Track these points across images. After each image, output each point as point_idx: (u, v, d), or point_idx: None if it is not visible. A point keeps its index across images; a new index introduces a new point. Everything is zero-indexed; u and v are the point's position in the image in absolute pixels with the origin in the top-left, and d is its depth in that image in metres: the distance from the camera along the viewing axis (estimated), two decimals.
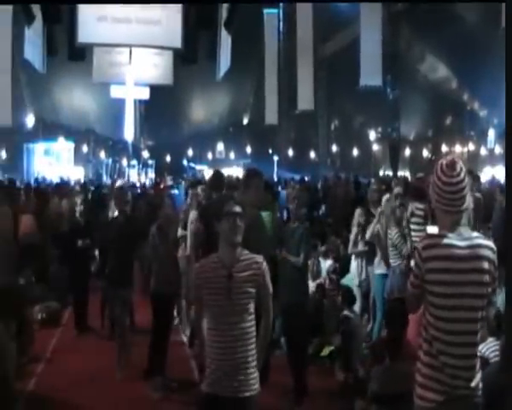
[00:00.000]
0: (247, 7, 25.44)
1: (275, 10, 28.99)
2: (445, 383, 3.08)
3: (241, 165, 34.31)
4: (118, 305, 7.08)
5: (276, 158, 35.93)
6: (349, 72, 25.96)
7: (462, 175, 3.11)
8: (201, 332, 3.76)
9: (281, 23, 31.47)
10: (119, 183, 8.31)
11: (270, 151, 38.42)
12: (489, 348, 4.94)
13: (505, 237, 3.40)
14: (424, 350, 3.16)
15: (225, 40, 26.03)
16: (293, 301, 6.25)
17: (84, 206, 9.47)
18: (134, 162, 32.86)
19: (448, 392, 3.08)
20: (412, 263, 3.36)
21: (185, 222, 8.14)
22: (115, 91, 30.46)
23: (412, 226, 7.53)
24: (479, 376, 3.15)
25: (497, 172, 20.75)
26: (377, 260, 7.72)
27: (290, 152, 39.55)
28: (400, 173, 28.04)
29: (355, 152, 41.25)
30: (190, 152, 40.91)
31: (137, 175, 31.71)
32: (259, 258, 3.67)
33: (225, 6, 24.92)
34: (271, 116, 28.28)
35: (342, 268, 8.73)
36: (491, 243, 3.17)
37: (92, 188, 18.14)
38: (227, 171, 22.32)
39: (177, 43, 27.02)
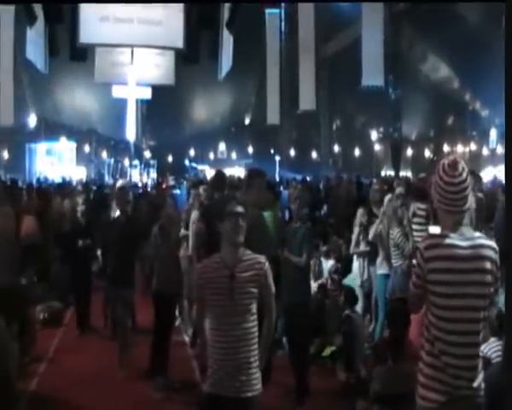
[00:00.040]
0: (248, 7, 25.43)
1: (276, 10, 28.91)
2: (447, 384, 3.07)
3: (243, 165, 34.32)
4: (120, 305, 7.07)
5: (277, 158, 35.96)
6: (351, 72, 25.97)
7: (464, 175, 3.10)
8: (203, 332, 3.75)
9: (282, 23, 31.42)
10: (120, 183, 8.28)
11: (272, 151, 38.43)
12: (491, 348, 4.92)
13: (507, 237, 3.39)
14: (426, 350, 3.16)
15: (227, 40, 26.04)
16: (295, 301, 6.24)
17: (86, 206, 9.46)
18: (136, 162, 32.92)
19: (450, 392, 3.07)
20: (414, 263, 3.35)
21: (187, 222, 8.12)
22: (117, 91, 30.54)
23: (414, 226, 7.51)
24: (481, 376, 3.15)
25: (499, 172, 20.67)
26: (379, 260, 7.72)
27: (292, 152, 39.56)
28: (402, 173, 28.04)
29: (357, 152, 41.20)
30: (192, 152, 40.95)
31: (139, 175, 31.77)
32: (262, 258, 3.66)
33: (227, 6, 24.91)
34: (273, 116, 28.24)
35: (344, 268, 8.72)
36: (493, 243, 3.17)
37: (94, 188, 18.16)
38: (229, 171, 22.37)
39: (179, 43, 27.07)
